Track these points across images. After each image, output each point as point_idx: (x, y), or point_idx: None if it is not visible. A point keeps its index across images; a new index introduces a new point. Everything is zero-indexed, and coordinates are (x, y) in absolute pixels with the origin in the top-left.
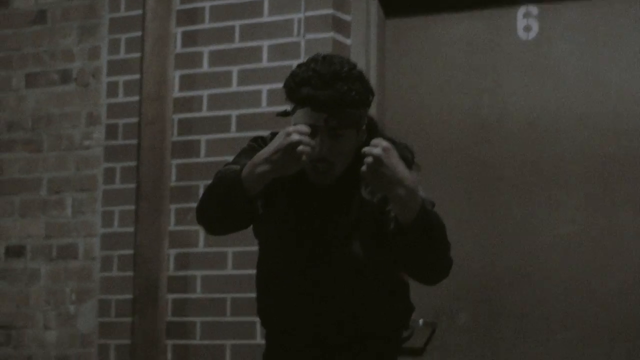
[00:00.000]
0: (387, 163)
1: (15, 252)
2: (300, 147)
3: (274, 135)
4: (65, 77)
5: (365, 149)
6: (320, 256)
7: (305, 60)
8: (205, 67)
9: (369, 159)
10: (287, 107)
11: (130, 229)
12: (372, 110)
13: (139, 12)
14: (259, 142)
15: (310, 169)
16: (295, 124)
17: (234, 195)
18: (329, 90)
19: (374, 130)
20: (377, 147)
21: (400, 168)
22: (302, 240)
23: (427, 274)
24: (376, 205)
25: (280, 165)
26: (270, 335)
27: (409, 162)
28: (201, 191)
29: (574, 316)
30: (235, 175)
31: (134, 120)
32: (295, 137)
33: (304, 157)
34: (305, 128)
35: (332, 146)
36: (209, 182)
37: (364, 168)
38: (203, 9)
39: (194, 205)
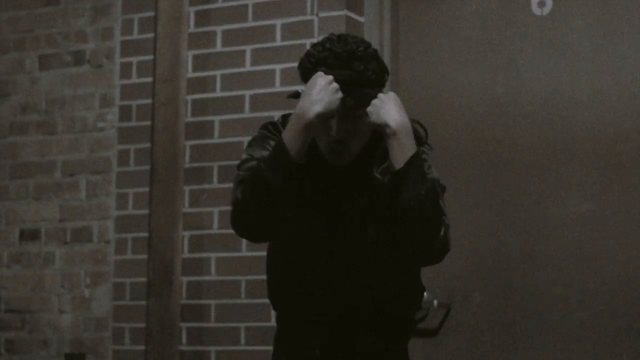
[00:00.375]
0: (386, 99)
1: (30, 235)
2: (334, 84)
3: (285, 118)
4: (79, 58)
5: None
6: (336, 236)
7: (318, 39)
8: (219, 47)
9: (375, 100)
10: (298, 88)
11: (145, 212)
12: (386, 89)
13: None
14: (270, 129)
15: (327, 150)
16: None
17: (283, 162)
18: (345, 69)
19: None
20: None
21: (397, 107)
22: (318, 222)
23: (421, 243)
24: (386, 185)
25: (327, 102)
26: (283, 317)
27: (422, 139)
28: (215, 172)
29: (588, 296)
30: (278, 146)
31: (148, 101)
32: (329, 76)
33: (338, 95)
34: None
35: (348, 126)
36: (223, 163)
37: (369, 107)
38: None
39: (208, 186)
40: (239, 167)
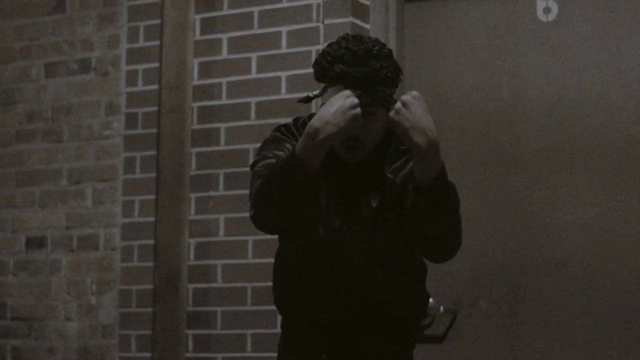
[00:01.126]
0: (413, 109)
1: (36, 243)
2: (357, 110)
3: (296, 121)
4: (85, 66)
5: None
6: (348, 236)
7: (324, 46)
8: (224, 54)
9: (398, 104)
10: (310, 93)
11: (151, 219)
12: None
13: None
14: (283, 131)
15: (341, 147)
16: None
17: (294, 177)
18: (362, 67)
19: None
20: (408, 94)
21: (426, 118)
22: (331, 220)
23: (439, 247)
24: (398, 185)
25: (343, 127)
26: (289, 322)
27: None
28: (222, 179)
29: (595, 301)
30: (290, 158)
31: (154, 109)
32: (354, 99)
33: (355, 123)
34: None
35: (364, 124)
36: (229, 170)
37: (391, 113)
38: None
39: (214, 194)
40: (252, 166)
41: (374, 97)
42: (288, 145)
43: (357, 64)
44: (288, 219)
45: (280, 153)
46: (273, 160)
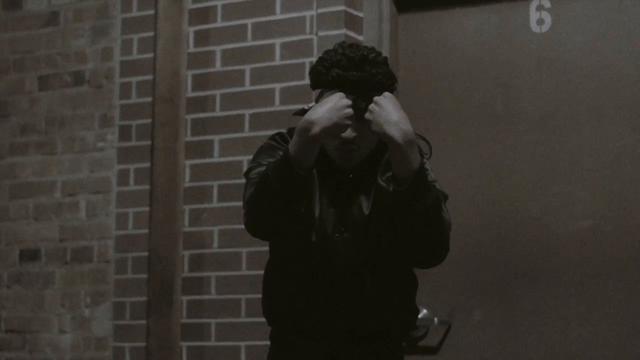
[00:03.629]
0: (385, 105)
1: (30, 255)
2: (350, 109)
3: (291, 131)
4: (78, 78)
5: None
6: (338, 243)
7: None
8: (218, 67)
9: (372, 105)
10: (304, 105)
11: (145, 231)
12: None
13: (151, 12)
14: (277, 139)
15: (336, 151)
16: None
17: (289, 175)
18: (357, 72)
19: None
20: (380, 96)
21: (399, 112)
22: (323, 226)
23: (422, 248)
24: (391, 197)
25: (336, 123)
26: (278, 334)
27: (421, 151)
28: (215, 191)
29: (590, 312)
30: (282, 156)
31: (148, 121)
32: (348, 100)
33: (347, 122)
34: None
35: (359, 128)
36: (223, 182)
37: (366, 114)
38: (215, 7)
39: (208, 205)
40: (246, 173)
41: (368, 102)
42: (280, 153)
43: (352, 69)
44: (280, 219)
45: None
46: (263, 169)
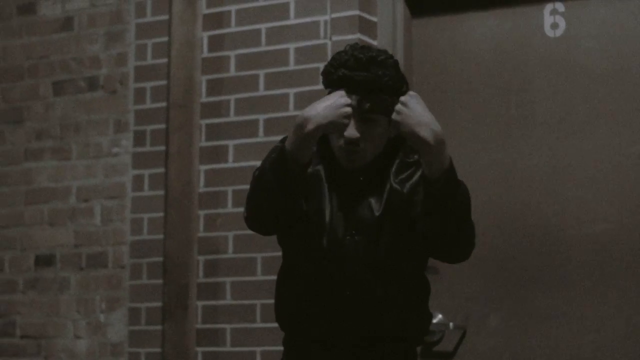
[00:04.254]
0: (413, 106)
1: (45, 261)
2: (349, 108)
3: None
4: (93, 84)
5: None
6: (349, 246)
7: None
8: (232, 72)
9: (398, 105)
10: None
11: (160, 236)
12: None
13: (165, 17)
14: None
15: (340, 152)
16: None
17: (284, 170)
18: (364, 72)
19: None
20: (406, 95)
21: (428, 113)
22: (334, 229)
23: (451, 246)
24: (405, 195)
25: (332, 121)
26: (291, 339)
27: None
28: (230, 196)
29: (605, 317)
30: (279, 151)
31: (162, 126)
32: (348, 99)
33: (345, 121)
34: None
35: (363, 129)
36: (238, 187)
37: (393, 115)
38: (229, 12)
39: (223, 211)
40: (255, 173)
41: (373, 104)
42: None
43: (359, 69)
44: (277, 214)
45: None
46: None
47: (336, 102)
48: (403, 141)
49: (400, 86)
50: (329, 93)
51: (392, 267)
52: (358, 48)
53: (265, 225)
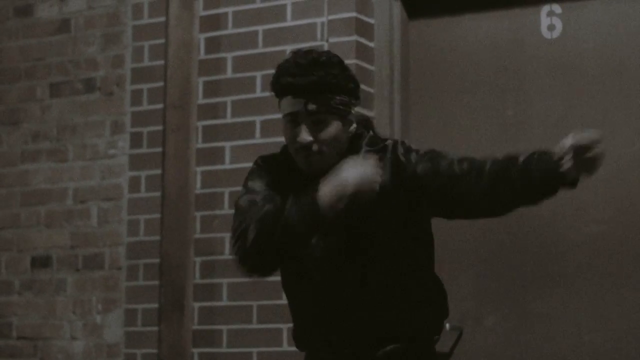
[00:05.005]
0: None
1: (42, 262)
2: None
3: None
4: (90, 86)
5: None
6: (317, 247)
7: None
8: (229, 73)
9: (595, 151)
10: None
11: (156, 238)
12: (396, 112)
13: (162, 19)
14: (259, 163)
15: (298, 157)
16: (282, 115)
17: (319, 223)
18: (307, 76)
19: (369, 127)
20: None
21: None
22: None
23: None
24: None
25: (362, 192)
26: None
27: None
28: (227, 198)
29: (602, 317)
30: (312, 205)
31: (159, 128)
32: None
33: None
34: None
35: (315, 132)
36: (234, 189)
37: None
38: (226, 14)
39: (219, 212)
40: (238, 200)
41: (319, 105)
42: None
43: (301, 74)
44: (287, 255)
45: (264, 188)
46: (258, 197)
47: (375, 173)
48: (362, 134)
49: (346, 83)
50: (279, 103)
51: (369, 262)
52: (300, 53)
53: (273, 263)
